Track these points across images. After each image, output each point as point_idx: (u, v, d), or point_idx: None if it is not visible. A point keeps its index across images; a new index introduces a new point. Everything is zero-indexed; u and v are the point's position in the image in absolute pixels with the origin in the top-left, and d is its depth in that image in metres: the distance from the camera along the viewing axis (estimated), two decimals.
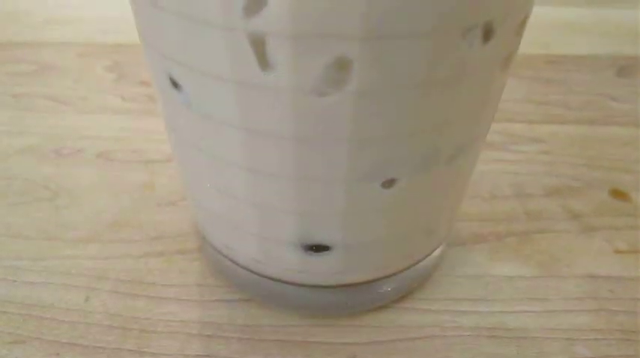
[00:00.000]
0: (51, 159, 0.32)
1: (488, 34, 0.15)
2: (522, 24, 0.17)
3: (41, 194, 0.30)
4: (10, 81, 0.40)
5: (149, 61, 0.18)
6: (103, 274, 0.25)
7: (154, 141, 0.34)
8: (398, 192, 0.18)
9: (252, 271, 0.22)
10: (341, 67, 0.14)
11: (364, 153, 0.16)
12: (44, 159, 0.32)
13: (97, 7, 0.52)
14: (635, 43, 0.47)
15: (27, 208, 0.29)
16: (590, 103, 0.39)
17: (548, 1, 0.52)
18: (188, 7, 0.14)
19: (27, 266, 0.25)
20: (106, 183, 0.30)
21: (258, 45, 0.14)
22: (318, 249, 0.20)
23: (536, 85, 0.41)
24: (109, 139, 0.34)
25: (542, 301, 0.24)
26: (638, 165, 0.33)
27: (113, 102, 0.38)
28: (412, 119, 0.16)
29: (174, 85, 0.17)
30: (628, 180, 0.32)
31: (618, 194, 0.31)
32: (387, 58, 0.14)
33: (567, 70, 0.43)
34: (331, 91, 0.15)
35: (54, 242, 0.27)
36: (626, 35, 0.49)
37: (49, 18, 0.49)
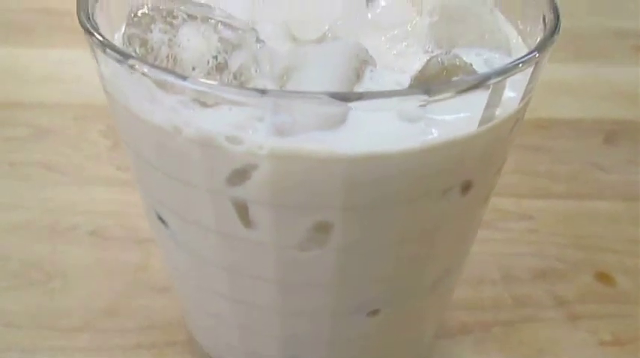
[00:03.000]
0: (45, 236, 0.32)
1: (466, 188, 0.16)
2: (500, 167, 0.17)
3: (35, 276, 0.30)
4: (7, 147, 0.40)
5: (139, 191, 0.19)
6: None
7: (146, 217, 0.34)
8: (383, 319, 0.19)
9: None
10: (322, 229, 0.15)
11: (347, 294, 0.17)
12: (39, 237, 0.32)
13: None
14: (625, 105, 0.48)
15: (20, 293, 0.29)
16: (578, 174, 0.39)
17: None
18: (177, 171, 0.15)
19: None
20: (100, 264, 0.31)
21: (241, 208, 0.15)
22: None
23: (525, 154, 0.41)
24: (104, 214, 0.34)
25: None
26: (623, 245, 0.33)
27: (108, 172, 0.38)
28: (393, 264, 0.16)
29: (162, 220, 0.18)
30: (613, 261, 0.32)
31: (603, 277, 0.31)
32: (366, 222, 0.15)
33: (556, 137, 0.43)
34: (313, 247, 0.15)
35: (45, 331, 0.27)
36: (615, 96, 0.49)
37: (47, 75, 0.50)
